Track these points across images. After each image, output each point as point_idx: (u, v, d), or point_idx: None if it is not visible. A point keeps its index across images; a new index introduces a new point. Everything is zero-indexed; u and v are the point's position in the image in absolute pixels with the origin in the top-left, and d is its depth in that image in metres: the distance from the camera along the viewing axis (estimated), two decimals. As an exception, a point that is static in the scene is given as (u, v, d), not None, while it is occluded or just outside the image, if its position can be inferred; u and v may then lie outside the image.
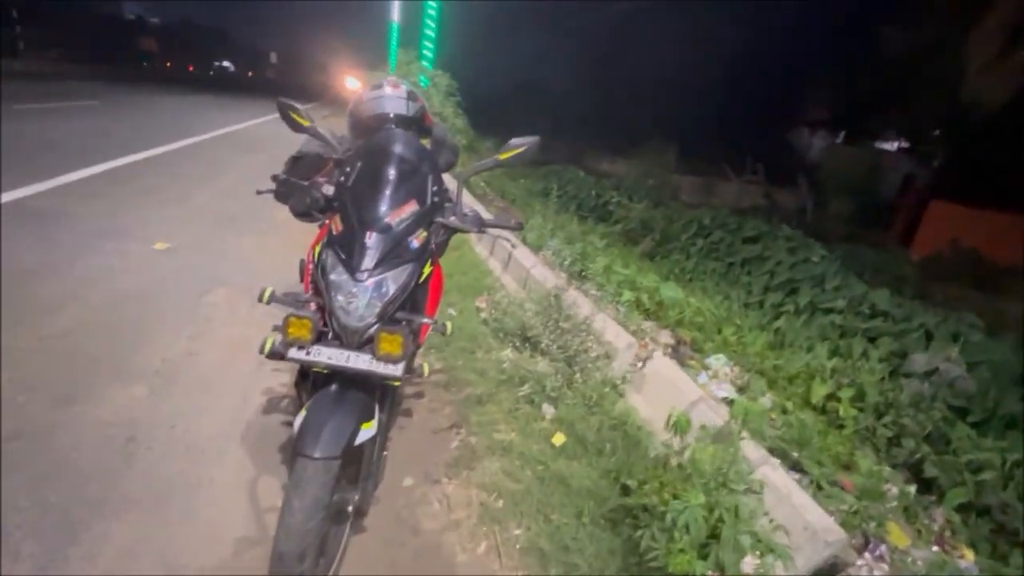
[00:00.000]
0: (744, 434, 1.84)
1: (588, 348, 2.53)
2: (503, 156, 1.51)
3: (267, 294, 1.45)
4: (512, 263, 3.79)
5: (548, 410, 2.33)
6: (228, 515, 1.65)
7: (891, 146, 17.63)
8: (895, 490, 2.65)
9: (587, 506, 1.81)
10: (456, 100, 10.37)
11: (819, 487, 2.49)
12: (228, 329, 2.75)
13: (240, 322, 2.83)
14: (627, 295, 3.88)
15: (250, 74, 65.19)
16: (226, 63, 66.11)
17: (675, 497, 1.49)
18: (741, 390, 3.56)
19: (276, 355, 1.50)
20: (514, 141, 1.51)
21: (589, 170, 13.95)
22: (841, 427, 3.65)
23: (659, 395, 2.32)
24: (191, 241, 3.95)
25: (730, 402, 2.78)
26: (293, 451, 1.22)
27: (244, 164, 7.45)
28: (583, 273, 3.79)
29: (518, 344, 2.77)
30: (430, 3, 9.70)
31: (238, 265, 3.64)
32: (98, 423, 1.94)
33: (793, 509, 1.71)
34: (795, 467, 2.57)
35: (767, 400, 3.43)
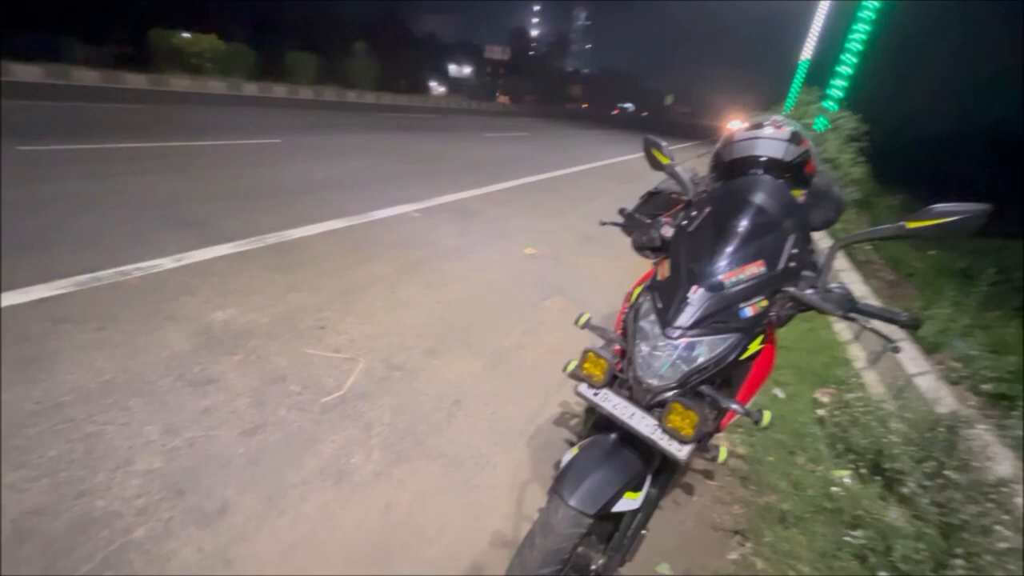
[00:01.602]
0: None
1: (992, 528, 1.62)
2: (912, 225, 1.07)
3: (584, 319, 1.46)
4: (886, 359, 2.86)
5: (887, 584, 1.61)
6: (496, 505, 1.79)
7: None
8: None
9: None
10: (859, 145, 8.69)
11: None
12: (553, 335, 3.04)
13: (564, 332, 3.09)
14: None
15: (644, 114, 72.32)
16: (627, 104, 75.55)
17: None
18: None
19: (576, 378, 1.52)
20: (939, 207, 1.05)
21: (1065, 256, 9.39)
22: None
23: None
24: (551, 251, 4.60)
25: None
26: (552, 486, 1.18)
27: (615, 192, 8.25)
28: (1010, 402, 2.51)
29: (863, 470, 2.04)
30: (857, 38, 8.41)
31: (581, 281, 4.01)
32: (442, 380, 2.44)
33: None
34: None
35: None
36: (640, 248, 1.79)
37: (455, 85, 38.88)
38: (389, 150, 8.87)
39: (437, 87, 37.89)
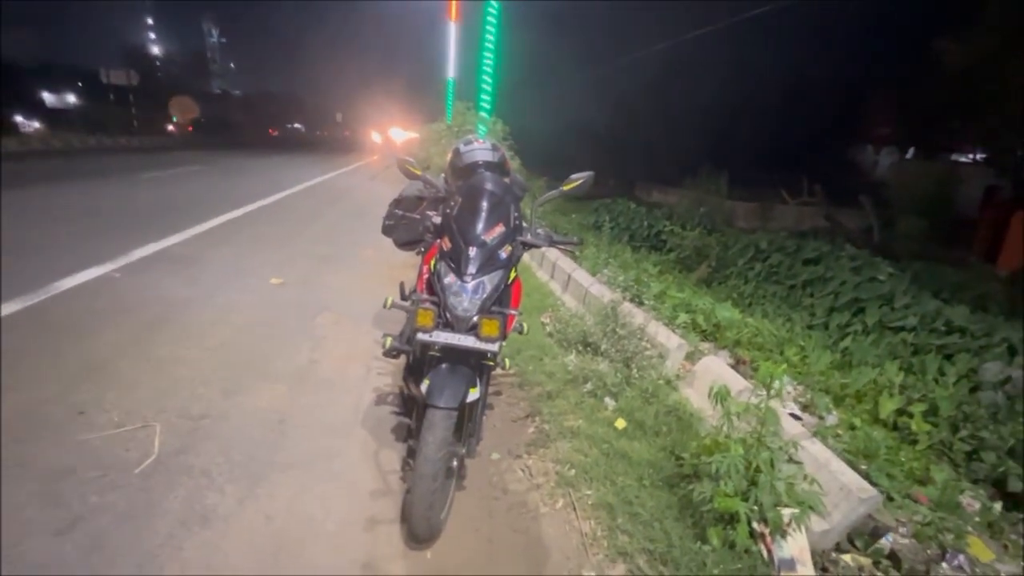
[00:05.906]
0: (773, 395, 2.01)
1: (643, 350, 2.87)
2: (566, 187, 1.97)
3: (389, 302, 1.97)
4: (571, 284, 4.21)
5: (610, 403, 2.68)
6: (361, 476, 2.12)
7: (968, 158, 16.82)
8: (977, 505, 2.64)
9: (647, 473, 2.14)
10: (509, 143, 11.18)
11: (890, 499, 2.47)
12: (340, 344, 3.32)
13: (345, 338, 3.40)
14: (683, 317, 4.16)
15: (318, 133, 71.17)
16: (297, 125, 72.90)
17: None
18: (805, 407, 3.66)
19: (393, 352, 2.00)
20: (573, 176, 1.97)
21: (640, 201, 14.28)
22: (914, 442, 3.60)
23: (708, 388, 2.61)
24: (297, 277, 4.67)
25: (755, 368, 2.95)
26: (423, 405, 1.67)
27: (329, 212, 8.46)
28: (638, 299, 4.14)
29: (580, 350, 3.16)
30: (486, 58, 10.68)
31: (336, 294, 4.27)
32: (256, 408, 2.51)
33: (831, 474, 1.96)
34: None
35: (833, 417, 3.48)
36: (407, 243, 2.39)
37: (59, 119, 30.04)
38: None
39: (27, 123, 28.52)
